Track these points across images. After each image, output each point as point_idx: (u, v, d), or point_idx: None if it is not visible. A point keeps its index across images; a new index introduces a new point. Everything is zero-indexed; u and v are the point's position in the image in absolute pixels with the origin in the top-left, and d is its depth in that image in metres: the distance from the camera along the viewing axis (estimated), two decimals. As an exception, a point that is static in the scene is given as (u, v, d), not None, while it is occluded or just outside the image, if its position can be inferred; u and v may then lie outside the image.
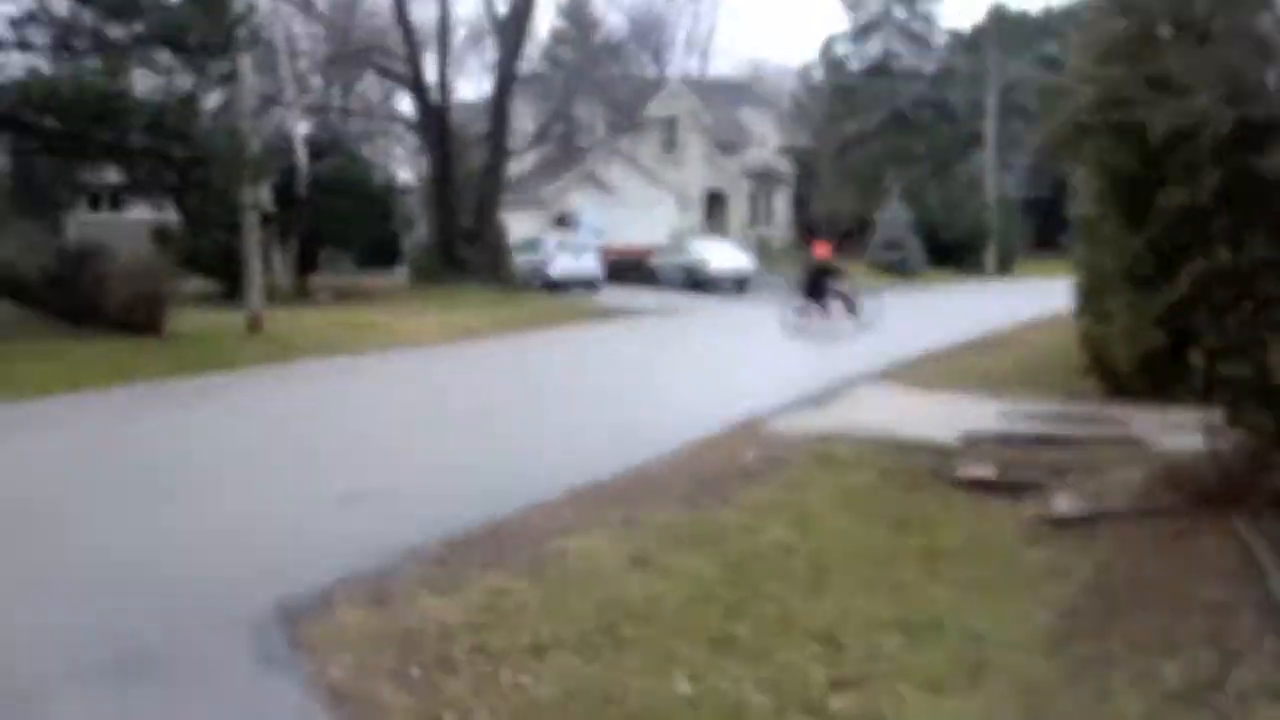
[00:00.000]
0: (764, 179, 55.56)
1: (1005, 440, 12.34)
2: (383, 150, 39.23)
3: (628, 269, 39.58)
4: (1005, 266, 48.23)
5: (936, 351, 19.79)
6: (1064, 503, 9.76)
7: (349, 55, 34.88)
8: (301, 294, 30.60)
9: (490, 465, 10.99)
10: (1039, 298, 34.70)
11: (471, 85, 36.77)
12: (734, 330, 26.92)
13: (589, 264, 36.72)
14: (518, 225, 38.80)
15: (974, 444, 12.10)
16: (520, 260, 36.33)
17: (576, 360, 21.05)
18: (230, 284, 30.06)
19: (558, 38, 50.91)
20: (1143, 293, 8.72)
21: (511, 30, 34.01)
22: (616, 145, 48.13)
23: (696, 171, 52.03)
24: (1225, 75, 8.07)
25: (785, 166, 56.30)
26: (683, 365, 20.11)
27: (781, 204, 56.60)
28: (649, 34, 47.01)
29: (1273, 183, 8.14)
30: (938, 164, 50.60)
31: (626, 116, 44.59)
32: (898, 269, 44.81)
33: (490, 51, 39.48)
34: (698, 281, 38.17)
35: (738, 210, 54.25)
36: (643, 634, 6.50)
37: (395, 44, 35.89)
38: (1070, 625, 7.30)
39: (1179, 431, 11.81)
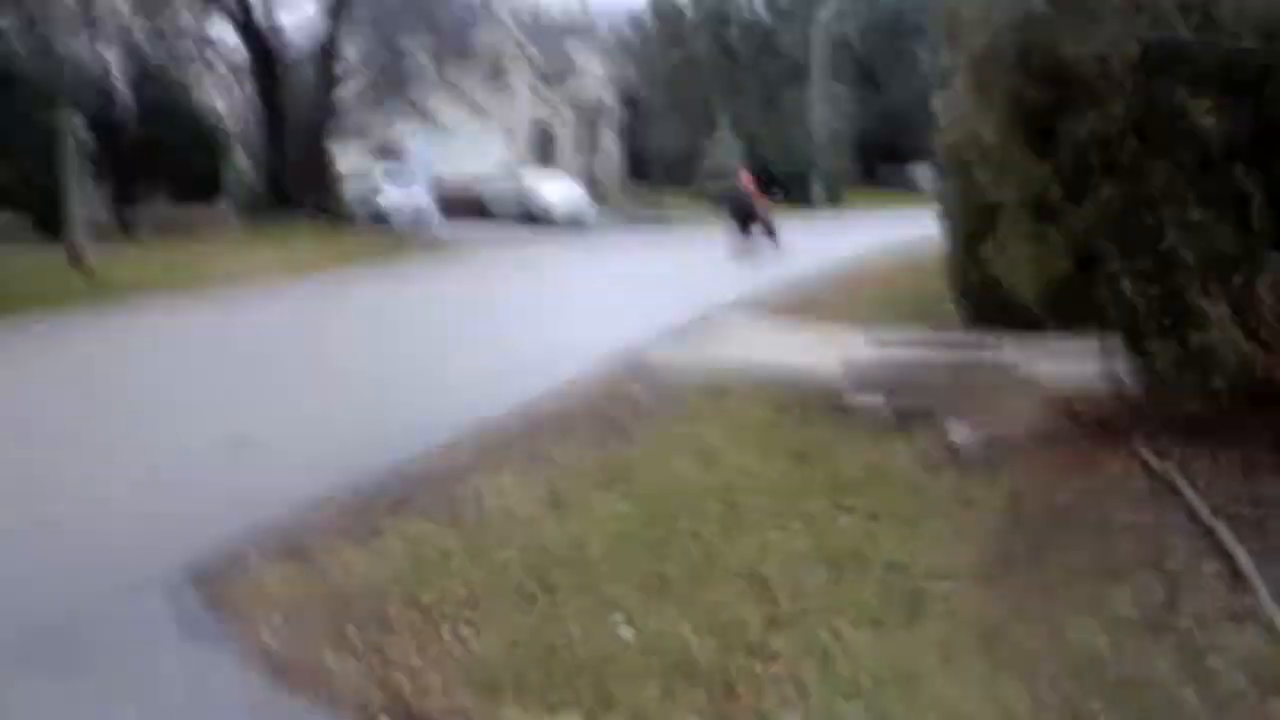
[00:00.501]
0: (592, 111, 55.03)
1: (888, 368, 12.34)
2: (199, 78, 37.24)
3: (457, 202, 38.73)
4: (835, 199, 48.75)
5: (791, 286, 19.77)
6: (960, 432, 9.73)
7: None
8: (122, 229, 28.96)
9: (377, 409, 10.48)
10: (875, 230, 35.44)
11: (287, 13, 35.09)
12: (576, 263, 26.60)
13: (420, 196, 35.83)
14: (341, 157, 37.59)
15: (858, 373, 12.09)
16: (349, 192, 35.21)
17: (431, 297, 20.41)
18: (40, 218, 28.44)
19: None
20: (1048, 222, 8.68)
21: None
22: (442, 75, 46.96)
23: (524, 102, 51.18)
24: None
25: (613, 99, 55.84)
26: (542, 300, 19.69)
27: (609, 136, 56.16)
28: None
29: (1177, 111, 8.16)
30: (765, 96, 50.71)
31: (452, 46, 43.42)
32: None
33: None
34: (532, 214, 37.60)
35: (566, 143, 53.65)
36: (574, 579, 6.26)
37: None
38: (997, 554, 7.23)
39: (1059, 359, 11.98)
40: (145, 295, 18.95)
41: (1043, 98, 8.39)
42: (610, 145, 56.01)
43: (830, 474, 9.10)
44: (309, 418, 10.04)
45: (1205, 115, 8.01)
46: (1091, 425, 9.24)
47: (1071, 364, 11.43)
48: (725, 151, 45.89)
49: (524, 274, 24.29)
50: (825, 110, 48.73)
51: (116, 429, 9.84)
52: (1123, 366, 9.28)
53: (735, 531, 7.46)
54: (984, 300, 14.33)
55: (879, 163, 59.31)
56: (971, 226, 14.20)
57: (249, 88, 35.59)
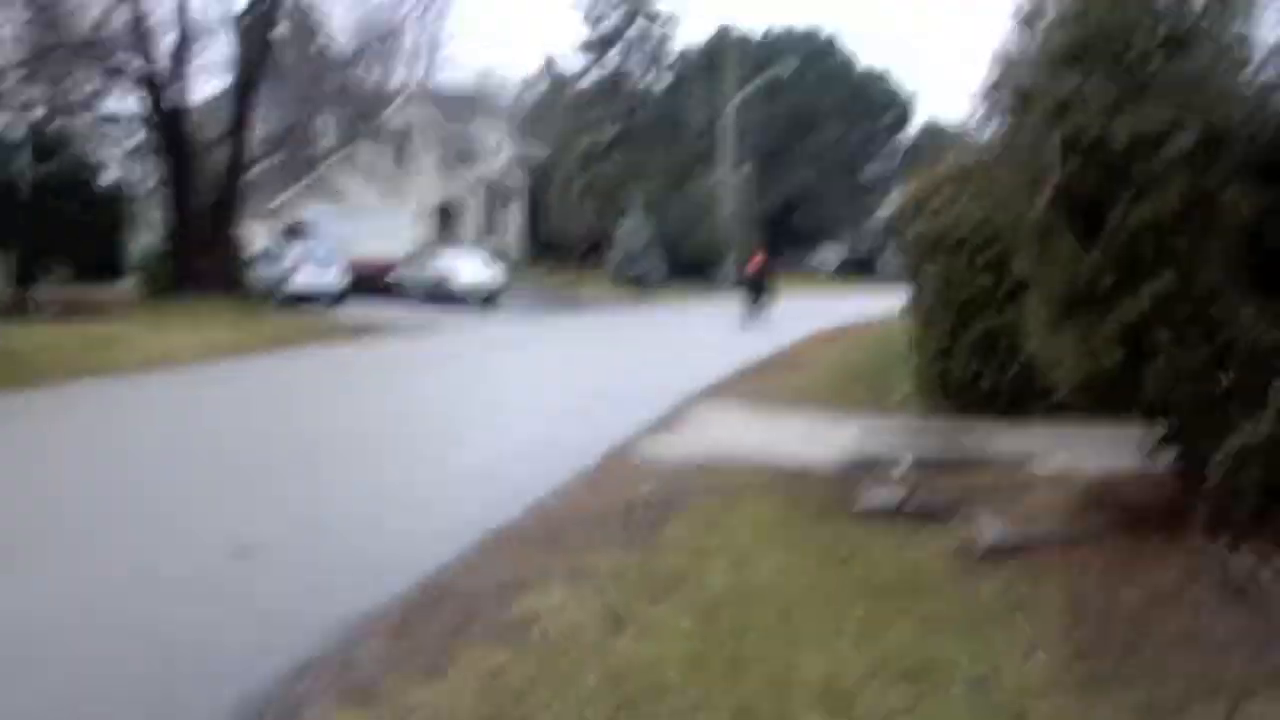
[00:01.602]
0: (497, 191, 54.72)
1: (891, 463, 11.97)
2: (102, 153, 36.06)
3: (366, 281, 37.85)
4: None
5: (744, 368, 19.44)
6: (991, 530, 9.30)
7: (68, 47, 31.74)
8: (20, 307, 27.64)
9: (379, 507, 9.71)
10: (798, 313, 35.45)
11: (196, 86, 34.12)
12: (504, 345, 25.98)
13: (332, 277, 34.92)
14: (247, 235, 36.57)
15: (859, 467, 11.70)
16: (257, 272, 34.17)
17: (385, 381, 19.54)
18: (-66, 297, 27.16)
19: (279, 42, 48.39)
20: (1096, 310, 8.34)
21: (257, 26, 31.91)
22: (350, 154, 46.29)
23: (431, 182, 50.66)
24: (1195, 83, 7.78)
25: (519, 179, 55.57)
26: (501, 386, 19.00)
27: (515, 216, 55.82)
28: (378, 42, 45.10)
29: (1230, 201, 7.92)
30: (673, 179, 50.81)
31: (360, 125, 42.81)
32: (639, 283, 44.72)
33: (218, 49, 37.21)
34: (444, 295, 36.87)
35: (472, 222, 53.17)
36: (665, 711, 5.73)
37: (113, 37, 33.14)
38: (1084, 668, 6.79)
39: (1074, 449, 11.72)
40: (66, 378, 17.86)
41: (1093, 183, 8.05)
42: (515, 223, 55.67)
43: (866, 576, 8.66)
44: (307, 518, 9.18)
45: (1253, 205, 7.82)
46: (1136, 519, 8.87)
47: (1090, 453, 11.17)
48: (636, 232, 45.72)
49: (469, 359, 23.47)
50: (733, 194, 48.95)
51: (96, 531, 8.81)
52: (1170, 459, 8.98)
53: (798, 645, 6.99)
54: (965, 387, 14.10)
55: (780, 247, 59.84)
56: (955, 315, 13.99)
57: (155, 163, 34.49)
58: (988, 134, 12.31)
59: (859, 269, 60.78)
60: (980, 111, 9.76)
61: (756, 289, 32.36)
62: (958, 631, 7.52)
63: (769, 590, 7.97)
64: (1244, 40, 8.08)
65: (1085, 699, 6.22)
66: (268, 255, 35.74)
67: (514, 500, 9.42)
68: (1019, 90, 8.66)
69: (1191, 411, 8.20)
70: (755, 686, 6.18)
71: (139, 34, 30.94)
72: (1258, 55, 8.18)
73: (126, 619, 6.69)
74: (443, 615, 6.58)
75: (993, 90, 9.72)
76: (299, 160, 42.92)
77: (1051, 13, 8.99)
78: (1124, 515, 9.05)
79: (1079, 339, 8.58)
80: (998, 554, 8.94)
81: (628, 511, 9.25)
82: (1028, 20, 9.37)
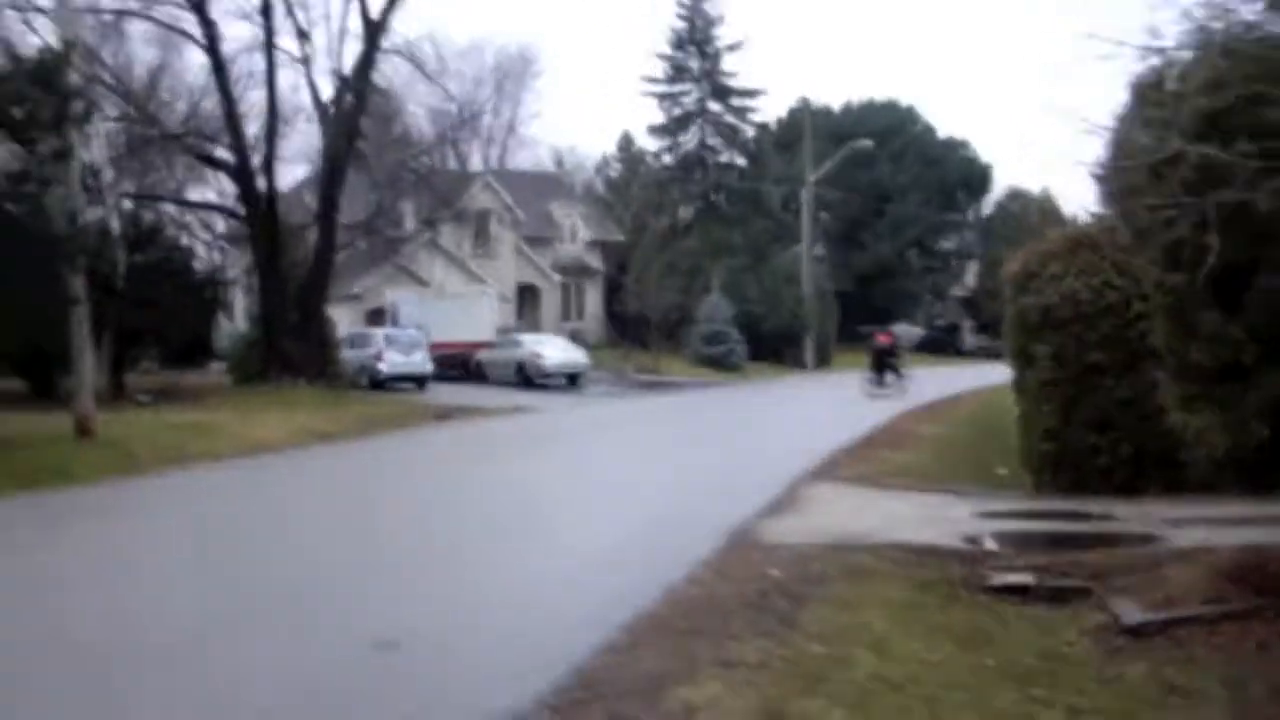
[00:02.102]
0: (575, 272, 55.05)
1: (1013, 541, 11.74)
2: (194, 240, 36.82)
3: (451, 365, 38.10)
4: (823, 359, 48.64)
5: (846, 446, 19.27)
6: (1132, 610, 9.05)
7: (162, 139, 32.58)
8: (117, 394, 28.04)
9: (510, 595, 9.60)
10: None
11: (283, 175, 34.85)
12: (599, 425, 25.92)
13: (419, 360, 35.19)
14: (332, 320, 36.97)
15: (981, 547, 11.50)
16: (346, 357, 34.51)
17: (494, 471, 19.44)
18: (38, 384, 27.56)
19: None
20: (1239, 384, 8.16)
21: (345, 114, 32.49)
22: (431, 238, 46.89)
23: (509, 265, 51.14)
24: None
25: (596, 260, 55.90)
26: (588, 467, 18.94)
27: (593, 297, 56.12)
28: (458, 125, 45.87)
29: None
30: (753, 256, 50.83)
31: (440, 209, 43.42)
32: (721, 363, 44.61)
33: (302, 137, 38.09)
34: (529, 377, 37.00)
35: (550, 304, 53.51)
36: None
37: (206, 126, 34.00)
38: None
39: (1184, 527, 11.44)
40: (167, 466, 18.04)
41: (1235, 254, 7.90)
42: (593, 304, 55.93)
43: (1006, 661, 8.44)
44: (443, 612, 9.11)
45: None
46: (1275, 596, 8.59)
47: (1222, 530, 10.89)
48: (717, 311, 45.69)
49: (568, 440, 23.40)
50: (813, 270, 48.88)
51: (230, 633, 8.58)
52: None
53: (951, 740, 6.81)
54: (1079, 464, 13.86)
55: (858, 323, 59.63)
56: (1068, 392, 13.78)
57: (247, 251, 35.11)
58: (1106, 208, 12.25)
59: (939, 344, 60.22)
60: (1098, 185, 9.71)
61: (882, 365, 34.82)
62: (1110, 718, 7.32)
63: (909, 679, 7.75)
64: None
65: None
66: (353, 340, 36.08)
67: (646, 586, 9.28)
68: (1148, 162, 8.54)
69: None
70: (924, 782, 6.03)
71: (230, 122, 31.62)
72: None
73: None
74: (597, 712, 6.46)
75: (1114, 163, 9.66)
76: (382, 245, 43.56)
77: (1174, 83, 8.92)
78: (1272, 592, 8.77)
79: (1222, 414, 8.41)
80: (1140, 635, 8.70)
81: (762, 597, 9.11)
82: (1147, 91, 9.31)
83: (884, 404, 27.36)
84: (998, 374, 22.76)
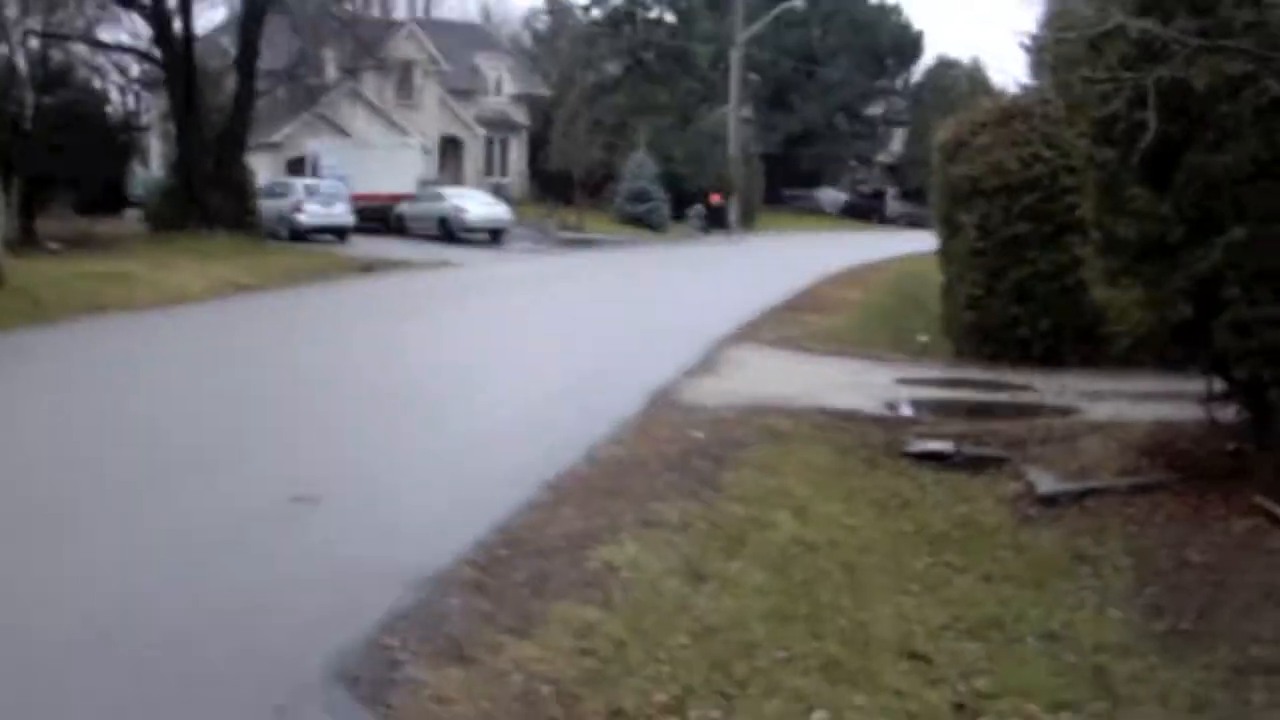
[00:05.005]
0: (499, 126, 54.12)
1: (933, 408, 11.92)
2: (108, 84, 35.63)
3: (372, 217, 37.42)
4: (748, 221, 48.49)
5: (767, 309, 19.34)
6: (1047, 480, 9.23)
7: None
8: (27, 241, 27.30)
9: (425, 450, 9.58)
10: (802, 252, 35.29)
11: (202, 19, 33.48)
12: (520, 282, 25.75)
13: (340, 212, 34.49)
14: (251, 170, 36.08)
15: (901, 413, 11.67)
16: (264, 206, 33.76)
17: (390, 318, 19.21)
18: (-59, 231, 26.77)
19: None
20: (1165, 262, 8.21)
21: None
22: (353, 87, 45.79)
23: (432, 117, 50.05)
24: (1277, 33, 7.60)
25: (521, 114, 54.96)
26: (508, 323, 18.81)
27: (517, 152, 55.29)
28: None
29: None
30: (680, 115, 50.18)
31: (363, 57, 42.31)
32: (645, 221, 44.32)
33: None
34: (451, 231, 36.55)
35: (474, 158, 52.64)
36: (756, 669, 5.64)
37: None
38: (1161, 625, 6.72)
39: (1101, 400, 11.67)
40: (81, 315, 17.62)
41: (1170, 132, 7.88)
42: (517, 160, 55.21)
43: (921, 527, 8.68)
44: (364, 468, 9.04)
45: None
46: (1196, 472, 8.78)
47: (1138, 404, 11.11)
48: (642, 170, 45.28)
49: (489, 295, 23.14)
50: (740, 132, 48.47)
51: (149, 482, 8.49)
52: (1233, 413, 8.90)
53: (868, 600, 7.03)
54: (1000, 334, 14.02)
55: (783, 186, 59.47)
56: (991, 261, 13.87)
57: (162, 95, 34.01)
58: (1037, 79, 12.19)
59: (864, 211, 60.31)
60: (1030, 56, 9.64)
61: (711, 218, 44.77)
62: (1022, 584, 7.50)
63: (833, 543, 7.92)
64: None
65: (1169, 659, 6.13)
66: (272, 189, 35.27)
67: (568, 446, 9.29)
68: (1088, 35, 8.46)
69: (1261, 366, 8.10)
70: (836, 642, 6.13)
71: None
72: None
73: (188, 574, 6.60)
74: (517, 567, 6.48)
75: (1052, 34, 9.58)
76: (303, 93, 42.48)
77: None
78: (1183, 467, 8.98)
79: (1146, 291, 8.48)
80: (1054, 504, 8.90)
81: (684, 459, 9.17)
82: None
83: (808, 267, 27.29)
84: (920, 242, 22.95)
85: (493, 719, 4.77)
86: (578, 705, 4.94)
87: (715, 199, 45.58)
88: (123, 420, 10.66)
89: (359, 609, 5.78)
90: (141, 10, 31.50)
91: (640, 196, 44.53)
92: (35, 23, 31.91)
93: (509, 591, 6.12)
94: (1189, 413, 9.68)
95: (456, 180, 47.51)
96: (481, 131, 52.83)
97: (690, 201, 45.77)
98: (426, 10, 62.12)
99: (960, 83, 53.30)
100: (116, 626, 5.69)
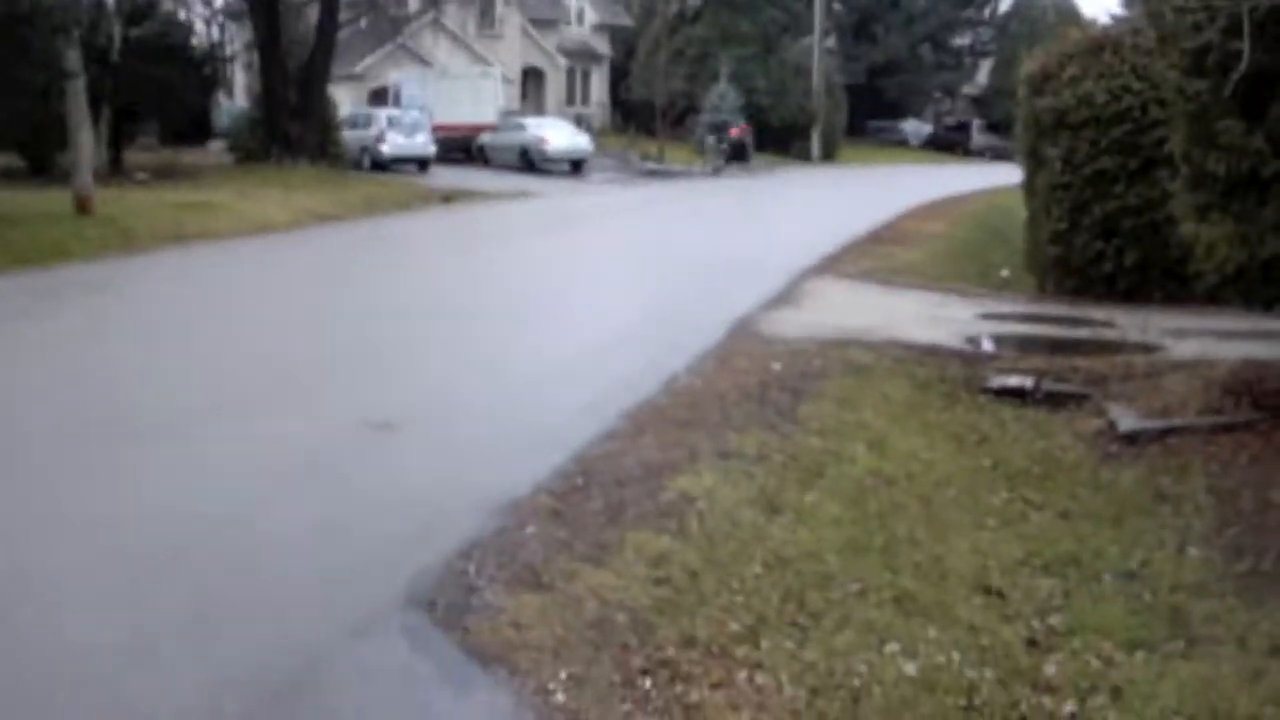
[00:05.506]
0: (581, 56, 53.95)
1: (1014, 344, 11.81)
2: (193, 15, 35.93)
3: (453, 148, 37.63)
4: (829, 153, 48.04)
5: (850, 243, 19.22)
6: (1128, 417, 9.13)
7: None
8: (116, 172, 27.72)
9: (508, 382, 9.58)
10: (885, 184, 34.94)
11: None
12: (602, 213, 25.75)
13: (422, 142, 34.69)
14: (333, 100, 36.30)
15: (982, 348, 11.57)
16: (347, 137, 34.03)
17: (473, 248, 19.35)
18: (35, 161, 27.25)
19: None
20: (1255, 197, 8.04)
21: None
22: (435, 17, 45.80)
23: (514, 47, 50.02)
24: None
25: (602, 44, 54.73)
26: (593, 254, 18.87)
27: (598, 83, 55.13)
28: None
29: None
30: (763, 46, 49.66)
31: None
32: (726, 153, 44.02)
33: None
34: (532, 162, 36.61)
35: (555, 88, 52.58)
36: (829, 600, 5.66)
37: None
38: (1240, 563, 6.65)
39: (1185, 338, 11.49)
40: (167, 245, 17.92)
41: (1264, 62, 7.68)
42: (598, 91, 55.03)
43: (999, 462, 8.60)
44: (442, 395, 9.15)
45: None
46: (1277, 413, 8.64)
47: (1224, 342, 10.93)
48: (724, 101, 44.91)
49: (573, 230, 23.06)
50: (823, 63, 47.90)
51: (232, 406, 8.65)
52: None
53: (943, 534, 6.99)
54: (1084, 269, 13.82)
55: (866, 118, 58.73)
56: (1077, 196, 13.64)
57: (246, 27, 34.26)
58: (1128, 9, 11.88)
59: (948, 143, 59.43)
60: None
61: (733, 151, 42.20)
62: (1100, 522, 7.42)
63: (910, 476, 7.88)
64: None
65: (1249, 600, 6.06)
66: (355, 120, 35.52)
67: (647, 376, 9.34)
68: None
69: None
70: (910, 575, 6.13)
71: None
72: None
73: (267, 495, 6.75)
74: (594, 496, 6.55)
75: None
76: (385, 23, 42.58)
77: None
78: (1268, 406, 8.83)
79: (1236, 226, 8.31)
80: (1135, 442, 8.80)
81: (763, 390, 9.18)
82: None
83: (890, 200, 27.01)
84: (1005, 175, 22.59)
85: (568, 645, 4.82)
86: (651, 633, 4.99)
87: (736, 131, 43.38)
88: (209, 345, 10.88)
89: (436, 535, 5.89)
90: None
91: (722, 128, 44.21)
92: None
93: (585, 520, 6.18)
94: (1276, 351, 9.54)
95: (538, 110, 47.54)
96: (563, 61, 52.69)
97: (773, 134, 45.43)
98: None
99: (1048, 13, 52.22)
100: (194, 544, 5.88)
